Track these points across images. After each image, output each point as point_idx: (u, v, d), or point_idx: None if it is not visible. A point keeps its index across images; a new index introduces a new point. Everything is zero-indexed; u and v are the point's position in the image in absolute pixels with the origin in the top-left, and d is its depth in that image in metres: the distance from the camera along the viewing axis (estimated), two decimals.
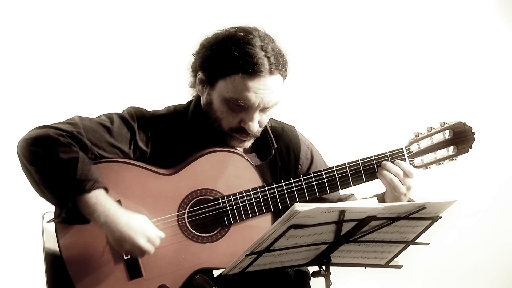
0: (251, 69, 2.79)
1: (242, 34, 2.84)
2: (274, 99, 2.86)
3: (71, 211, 2.74)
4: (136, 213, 2.80)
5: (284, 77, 2.89)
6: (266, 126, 2.99)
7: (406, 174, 2.91)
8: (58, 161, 2.72)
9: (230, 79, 2.82)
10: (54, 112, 4.08)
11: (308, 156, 3.12)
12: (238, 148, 2.97)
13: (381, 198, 2.98)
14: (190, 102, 3.04)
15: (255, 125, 2.88)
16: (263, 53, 2.81)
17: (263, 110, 2.88)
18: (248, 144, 2.96)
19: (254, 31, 2.86)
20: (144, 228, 2.78)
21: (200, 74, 2.90)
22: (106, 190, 2.78)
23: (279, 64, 2.84)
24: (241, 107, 2.84)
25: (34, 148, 2.75)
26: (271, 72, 2.82)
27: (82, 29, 4.34)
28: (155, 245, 2.79)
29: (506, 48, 4.70)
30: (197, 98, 3.00)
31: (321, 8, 4.60)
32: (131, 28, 4.39)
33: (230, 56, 2.80)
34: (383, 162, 2.94)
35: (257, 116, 2.87)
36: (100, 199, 2.75)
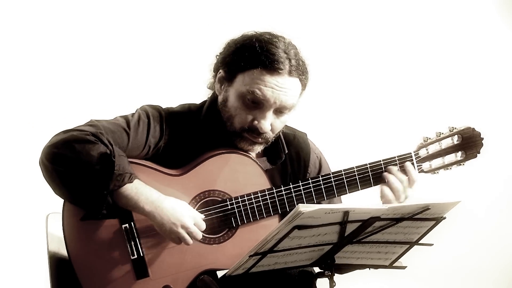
0: (271, 65, 2.82)
1: (268, 36, 2.89)
2: (290, 101, 2.87)
3: (111, 207, 2.76)
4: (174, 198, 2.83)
5: (303, 86, 2.92)
6: None
7: (409, 183, 2.91)
8: (91, 159, 2.72)
9: (249, 72, 2.85)
10: (66, 113, 4.16)
11: (316, 165, 3.12)
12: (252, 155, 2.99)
13: None
14: (204, 102, 3.06)
15: (267, 125, 2.88)
16: (286, 55, 2.85)
17: (277, 112, 2.89)
18: (258, 149, 2.96)
19: (281, 37, 2.91)
20: (190, 210, 2.81)
21: (221, 72, 2.93)
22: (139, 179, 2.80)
23: (299, 69, 2.87)
24: (256, 104, 2.86)
25: (63, 150, 2.74)
26: (290, 73, 2.85)
27: (93, 31, 4.39)
28: (201, 228, 2.82)
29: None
30: (212, 98, 3.02)
31: (329, 13, 4.62)
32: (143, 29, 4.43)
33: (252, 51, 2.84)
34: (390, 167, 2.93)
35: (270, 115, 2.88)
36: (140, 189, 2.77)
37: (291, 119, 3.07)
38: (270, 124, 2.89)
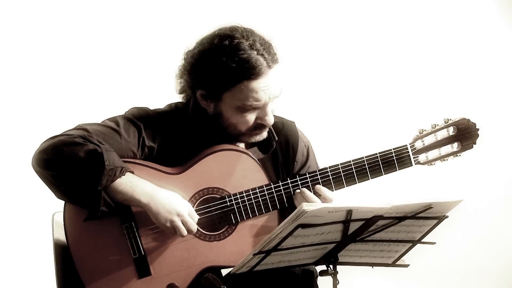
0: (254, 73, 2.81)
1: (227, 42, 2.83)
2: (279, 89, 2.89)
3: (109, 204, 2.77)
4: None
5: (278, 62, 2.89)
6: None
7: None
8: (81, 159, 2.73)
9: (235, 89, 2.84)
10: (57, 114, 4.14)
11: (304, 153, 3.13)
12: (241, 145, 3.01)
13: None
14: (189, 99, 3.04)
15: (271, 117, 2.91)
16: (255, 52, 2.83)
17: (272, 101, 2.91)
18: (265, 135, 2.97)
19: (235, 32, 2.85)
20: (184, 201, 2.84)
21: (199, 91, 2.91)
22: (132, 172, 2.81)
23: (271, 54, 2.86)
24: (254, 107, 2.87)
25: (52, 156, 2.76)
26: (269, 67, 2.85)
27: (81, 32, 4.36)
28: (194, 219, 2.84)
29: (508, 46, 4.72)
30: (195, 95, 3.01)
31: (323, 4, 4.60)
32: (129, 30, 4.40)
33: (228, 69, 2.81)
34: (302, 189, 2.92)
35: (270, 109, 2.90)
36: (134, 182, 2.79)
37: (285, 112, 3.11)
38: (271, 113, 2.92)
